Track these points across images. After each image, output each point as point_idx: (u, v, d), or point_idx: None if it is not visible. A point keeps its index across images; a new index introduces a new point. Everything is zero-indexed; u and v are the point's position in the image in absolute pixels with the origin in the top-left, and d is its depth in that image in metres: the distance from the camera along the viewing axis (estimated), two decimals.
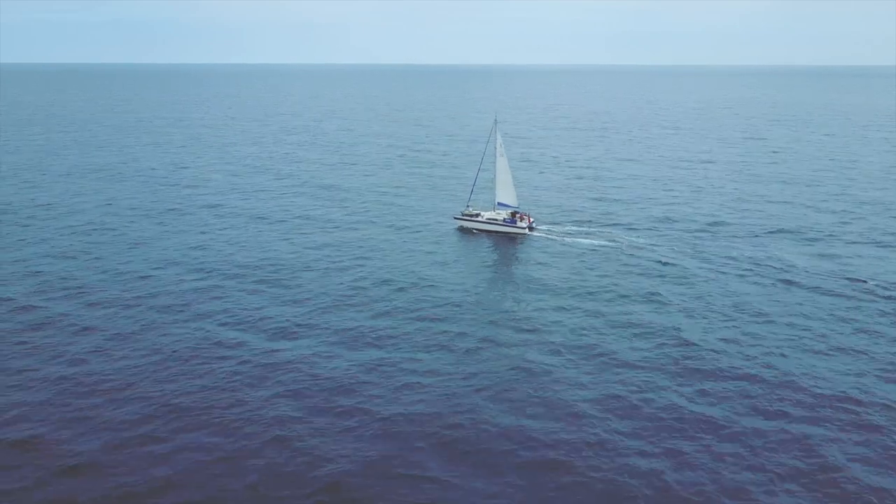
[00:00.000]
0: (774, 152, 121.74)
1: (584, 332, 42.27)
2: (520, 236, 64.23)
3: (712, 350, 39.79)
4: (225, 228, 67.37)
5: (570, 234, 64.83)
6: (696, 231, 66.01)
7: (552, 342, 40.78)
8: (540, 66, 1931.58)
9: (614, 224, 68.59)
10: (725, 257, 57.24)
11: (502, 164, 66.38)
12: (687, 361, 38.31)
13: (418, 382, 35.64)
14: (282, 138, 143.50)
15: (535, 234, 64.74)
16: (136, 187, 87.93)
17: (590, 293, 48.90)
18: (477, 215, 67.69)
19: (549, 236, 64.07)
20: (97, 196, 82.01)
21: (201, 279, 51.84)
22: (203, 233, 65.61)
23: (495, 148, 66.67)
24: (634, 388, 35.33)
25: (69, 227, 66.93)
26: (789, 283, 51.15)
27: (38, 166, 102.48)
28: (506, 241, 63.22)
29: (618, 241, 61.91)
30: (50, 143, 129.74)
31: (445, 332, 42.24)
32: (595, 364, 38.00)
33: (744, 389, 35.26)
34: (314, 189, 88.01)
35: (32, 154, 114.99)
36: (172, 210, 75.20)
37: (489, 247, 61.64)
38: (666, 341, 40.86)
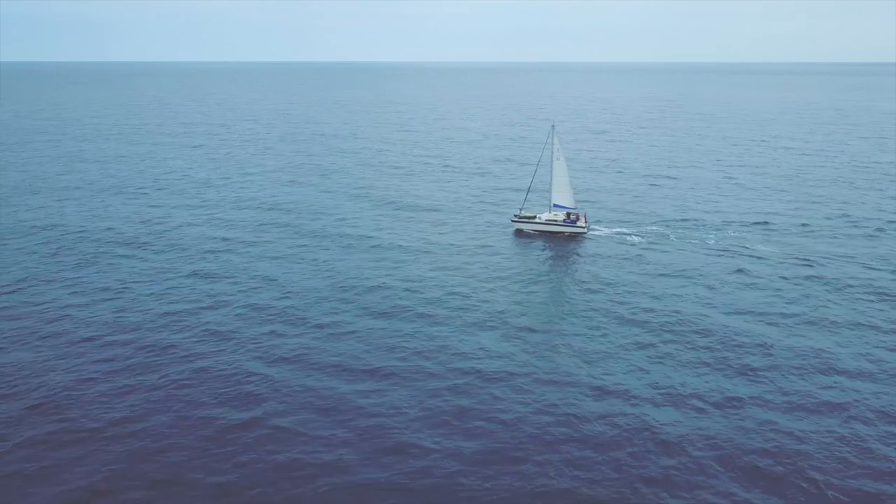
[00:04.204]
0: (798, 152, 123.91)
1: (662, 332, 44.79)
2: (578, 236, 66.69)
3: (780, 353, 42.25)
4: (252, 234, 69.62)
5: (625, 232, 67.41)
6: (749, 226, 68.54)
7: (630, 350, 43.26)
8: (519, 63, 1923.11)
9: (667, 222, 71.01)
10: (784, 254, 59.70)
11: (560, 167, 68.62)
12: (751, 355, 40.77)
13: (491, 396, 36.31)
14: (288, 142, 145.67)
15: (592, 233, 67.20)
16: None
17: (654, 298, 51.34)
18: (533, 217, 70.01)
19: (606, 235, 66.55)
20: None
21: (282, 298, 54.25)
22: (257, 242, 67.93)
23: (552, 152, 68.95)
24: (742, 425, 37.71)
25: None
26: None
27: None
28: (565, 241, 65.48)
29: (676, 239, 64.35)
30: None
31: (523, 334, 44.70)
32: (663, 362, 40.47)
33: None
34: (356, 191, 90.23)
35: None
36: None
37: (550, 247, 63.87)
38: (726, 339, 43.41)
